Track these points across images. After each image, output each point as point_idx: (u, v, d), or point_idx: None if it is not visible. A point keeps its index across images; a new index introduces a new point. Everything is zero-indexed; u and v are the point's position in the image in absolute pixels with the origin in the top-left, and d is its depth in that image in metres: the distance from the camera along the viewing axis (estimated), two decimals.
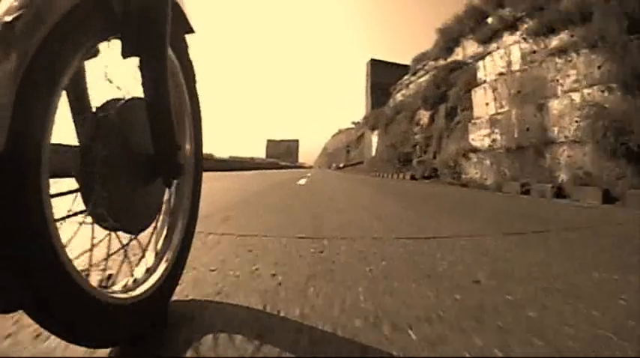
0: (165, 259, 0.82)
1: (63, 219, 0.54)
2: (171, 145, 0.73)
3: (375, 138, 23.21)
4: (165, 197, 0.86)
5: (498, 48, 8.30)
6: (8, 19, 0.41)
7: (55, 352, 0.64)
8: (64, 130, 0.59)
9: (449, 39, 12.62)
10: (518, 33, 7.74)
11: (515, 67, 7.17)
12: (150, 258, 0.81)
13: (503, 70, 7.49)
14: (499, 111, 7.14)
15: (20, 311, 0.48)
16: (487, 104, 7.57)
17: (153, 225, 0.81)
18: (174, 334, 0.74)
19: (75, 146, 0.61)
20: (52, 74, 0.47)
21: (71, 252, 0.52)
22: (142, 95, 0.69)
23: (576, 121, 5.06)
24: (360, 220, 2.50)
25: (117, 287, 0.68)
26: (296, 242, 1.70)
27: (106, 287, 0.66)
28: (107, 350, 0.65)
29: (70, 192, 0.59)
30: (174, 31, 0.75)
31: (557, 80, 5.63)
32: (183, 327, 0.77)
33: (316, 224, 2.27)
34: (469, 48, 11.51)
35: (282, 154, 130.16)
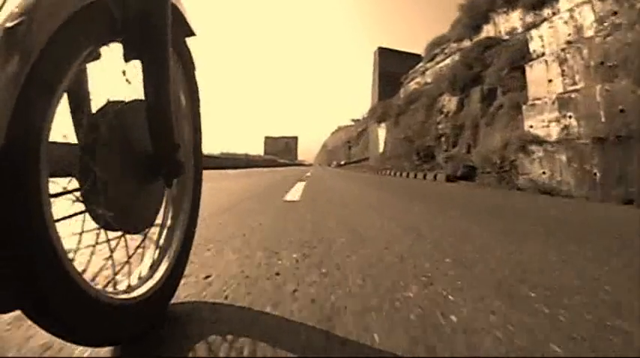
0: (166, 259, 0.82)
1: (63, 219, 0.54)
2: (172, 145, 0.73)
3: (382, 132, 21.26)
4: (166, 196, 0.86)
5: (554, 13, 6.69)
6: (10, 25, 0.42)
7: (55, 352, 0.62)
8: (64, 131, 0.59)
9: (475, 14, 11.02)
10: None
11: (589, 32, 5.56)
12: (151, 258, 0.80)
13: (570, 39, 5.88)
14: (570, 88, 5.53)
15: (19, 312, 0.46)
16: (550, 81, 5.95)
17: (153, 225, 0.80)
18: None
19: (74, 144, 0.61)
20: (53, 77, 0.47)
21: (71, 251, 0.53)
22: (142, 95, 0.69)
23: None
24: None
25: (117, 287, 0.68)
26: None
27: (105, 287, 0.65)
28: (107, 350, 0.64)
29: (70, 191, 0.59)
30: (175, 34, 0.77)
31: None
32: None
33: None
34: (503, 23, 9.90)
35: (281, 151, 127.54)
